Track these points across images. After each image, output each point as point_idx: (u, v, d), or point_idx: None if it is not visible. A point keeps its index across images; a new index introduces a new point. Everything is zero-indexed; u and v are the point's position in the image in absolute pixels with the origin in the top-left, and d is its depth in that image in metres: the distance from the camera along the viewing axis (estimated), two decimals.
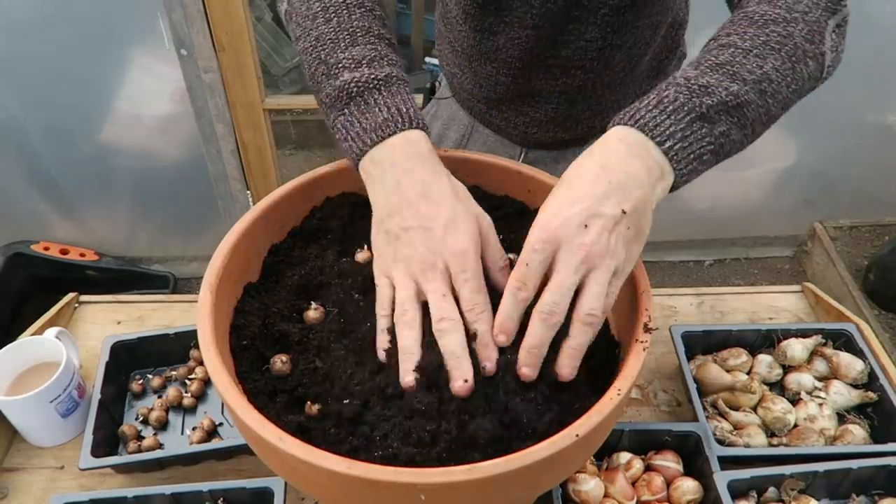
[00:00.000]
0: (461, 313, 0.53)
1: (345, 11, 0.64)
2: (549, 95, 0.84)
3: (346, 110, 0.60)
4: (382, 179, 0.57)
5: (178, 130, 1.81)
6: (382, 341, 0.56)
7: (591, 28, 0.75)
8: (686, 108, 0.54)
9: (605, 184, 0.52)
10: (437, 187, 0.57)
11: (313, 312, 0.63)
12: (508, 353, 0.55)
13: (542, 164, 0.94)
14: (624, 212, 0.51)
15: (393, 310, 0.55)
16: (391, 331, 0.55)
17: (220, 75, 1.71)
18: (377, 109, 0.59)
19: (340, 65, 0.61)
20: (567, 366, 0.52)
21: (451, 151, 0.73)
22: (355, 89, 0.60)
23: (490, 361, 0.52)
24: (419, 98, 0.98)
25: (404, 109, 0.59)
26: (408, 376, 0.52)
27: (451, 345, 0.52)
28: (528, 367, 0.51)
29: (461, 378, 0.51)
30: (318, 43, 0.63)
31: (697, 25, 0.94)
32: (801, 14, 0.60)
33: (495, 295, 0.54)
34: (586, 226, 0.50)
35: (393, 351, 0.55)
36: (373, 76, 0.60)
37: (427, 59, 2.60)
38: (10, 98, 1.66)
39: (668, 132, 0.54)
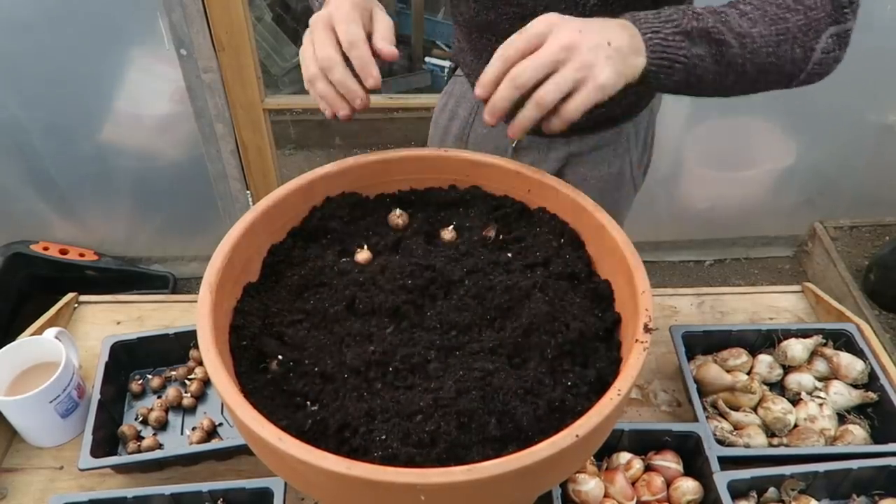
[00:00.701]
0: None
1: None
2: None
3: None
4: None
5: (177, 130, 1.81)
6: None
7: (568, 9, 0.77)
8: (674, 21, 0.63)
9: (599, 24, 0.61)
10: None
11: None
12: (504, 356, 0.55)
13: (535, 150, 0.95)
14: (608, 41, 0.59)
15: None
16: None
17: (219, 75, 1.71)
18: None
19: None
20: (514, 128, 0.63)
21: (453, 151, 0.73)
22: None
23: (372, 77, 0.63)
24: (432, 100, 1.00)
25: None
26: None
27: (338, 80, 0.63)
28: (490, 114, 0.62)
29: (346, 108, 0.64)
30: None
31: None
32: (805, 8, 0.66)
33: None
34: (580, 31, 0.59)
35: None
36: None
37: (427, 59, 2.60)
38: (11, 97, 1.66)
39: (653, 27, 0.62)
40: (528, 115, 0.61)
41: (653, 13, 0.64)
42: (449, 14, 2.65)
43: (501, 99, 0.60)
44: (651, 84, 0.64)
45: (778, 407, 0.82)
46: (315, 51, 0.64)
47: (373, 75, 0.63)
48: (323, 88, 0.64)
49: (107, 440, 0.79)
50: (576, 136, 0.94)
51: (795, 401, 0.84)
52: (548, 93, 0.59)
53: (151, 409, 0.84)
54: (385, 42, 0.65)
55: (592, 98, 0.59)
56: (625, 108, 0.93)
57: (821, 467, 0.74)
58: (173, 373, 0.88)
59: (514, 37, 0.61)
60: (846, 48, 0.70)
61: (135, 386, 0.87)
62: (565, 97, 0.59)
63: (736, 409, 0.83)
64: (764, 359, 0.87)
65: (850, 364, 0.85)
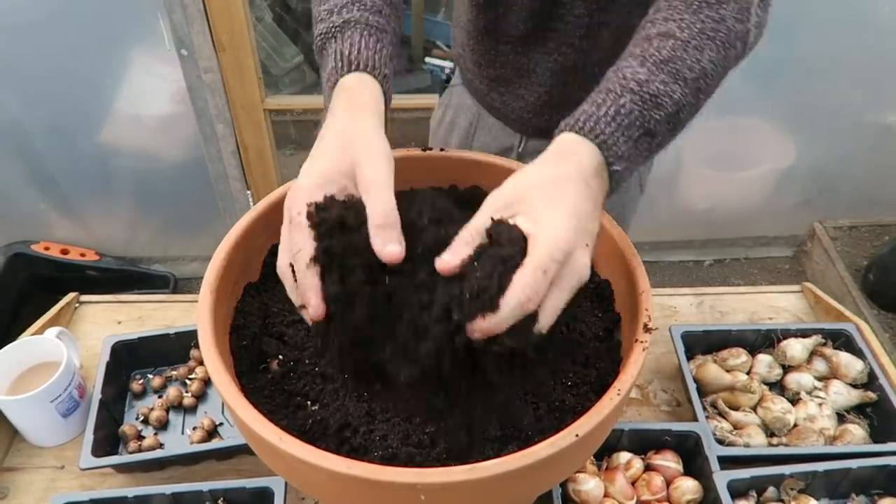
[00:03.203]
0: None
1: None
2: (543, 75, 0.86)
3: (321, 64, 0.61)
4: (324, 131, 0.56)
5: (178, 130, 1.81)
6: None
7: (579, 3, 0.77)
8: (638, 124, 0.54)
9: (592, 202, 0.51)
10: (352, 128, 0.54)
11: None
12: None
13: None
14: (597, 231, 0.52)
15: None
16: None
17: (220, 75, 1.71)
18: (330, 59, 0.59)
19: (319, 18, 0.62)
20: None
21: (452, 151, 0.73)
22: (321, 42, 0.61)
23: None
24: (432, 100, 0.97)
25: (346, 53, 0.58)
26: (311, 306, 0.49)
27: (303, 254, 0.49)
28: (478, 331, 0.47)
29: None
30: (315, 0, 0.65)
31: None
32: None
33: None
34: (587, 244, 0.49)
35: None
36: (332, 25, 0.61)
37: (427, 59, 2.60)
38: (11, 98, 1.66)
39: (619, 152, 0.53)
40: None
41: (612, 112, 0.54)
42: (448, 15, 2.65)
43: (499, 324, 0.47)
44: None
45: (777, 407, 0.82)
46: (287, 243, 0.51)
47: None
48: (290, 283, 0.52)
49: (108, 440, 0.79)
50: None
51: (795, 400, 0.84)
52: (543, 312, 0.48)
53: (152, 409, 0.84)
54: (389, 241, 0.49)
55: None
56: None
57: (820, 467, 0.74)
58: (174, 372, 0.88)
59: (538, 281, 0.46)
60: (768, 9, 0.63)
61: (135, 385, 0.87)
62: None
63: (735, 408, 0.83)
64: (763, 358, 0.87)
65: (850, 364, 0.85)
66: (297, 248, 0.50)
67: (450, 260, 0.47)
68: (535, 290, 0.46)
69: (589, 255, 0.49)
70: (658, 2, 0.62)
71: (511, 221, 0.48)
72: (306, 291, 0.49)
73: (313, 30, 0.64)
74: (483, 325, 0.46)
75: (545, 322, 0.47)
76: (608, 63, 0.80)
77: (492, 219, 0.49)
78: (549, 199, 0.50)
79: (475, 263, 0.47)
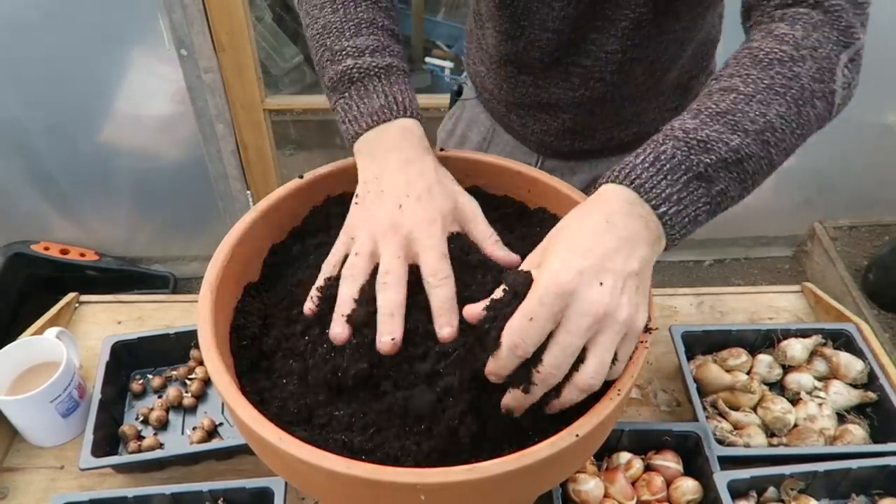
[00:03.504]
0: (424, 280, 0.54)
1: (351, 3, 0.66)
2: (567, 105, 0.84)
3: (346, 94, 0.63)
4: (372, 154, 0.60)
5: (178, 130, 1.81)
6: (315, 299, 0.56)
7: (612, 40, 0.75)
8: (683, 168, 0.51)
9: (615, 239, 0.48)
10: (420, 164, 0.59)
11: None
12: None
13: (558, 174, 0.93)
14: (635, 270, 0.48)
15: (342, 266, 0.56)
16: (328, 287, 0.56)
17: (220, 75, 1.71)
18: (375, 96, 0.61)
19: (344, 51, 0.64)
20: (551, 409, 0.50)
21: (452, 151, 0.73)
22: (356, 74, 0.62)
23: (450, 326, 0.51)
24: (442, 99, 0.96)
25: (401, 98, 0.62)
26: (337, 326, 0.53)
27: (388, 301, 0.52)
28: (488, 372, 0.49)
29: (388, 335, 0.51)
30: (325, 31, 0.65)
31: (730, 43, 0.89)
32: (810, 50, 0.56)
33: (486, 274, 0.55)
34: (601, 283, 0.46)
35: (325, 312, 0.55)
36: (374, 64, 0.63)
37: (427, 59, 2.60)
38: (11, 98, 1.66)
39: (663, 195, 0.50)
40: (569, 400, 0.49)
41: (651, 158, 0.51)
42: (449, 15, 2.65)
43: (528, 402, 0.49)
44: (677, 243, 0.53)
45: (777, 407, 0.82)
46: (371, 259, 0.54)
47: (450, 324, 0.52)
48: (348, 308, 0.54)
49: (107, 440, 0.79)
50: (604, 157, 0.92)
51: (795, 400, 0.84)
52: (594, 379, 0.47)
53: (152, 409, 0.84)
54: (492, 246, 0.57)
55: (633, 344, 0.50)
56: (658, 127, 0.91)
57: (820, 467, 0.74)
58: (174, 372, 0.88)
59: (524, 325, 0.46)
60: (860, 69, 0.60)
61: (135, 386, 0.87)
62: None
63: (736, 408, 0.83)
64: (763, 358, 0.87)
65: (850, 364, 0.85)
66: (387, 269, 0.53)
67: (469, 309, 0.51)
68: (520, 336, 0.46)
69: (621, 293, 0.46)
70: (728, 60, 0.59)
71: (535, 271, 0.49)
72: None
73: (319, 53, 0.65)
74: (489, 367, 0.48)
75: (554, 360, 0.46)
76: (639, 94, 0.79)
77: (510, 270, 0.52)
78: (562, 242, 0.49)
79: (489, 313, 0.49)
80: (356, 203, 0.59)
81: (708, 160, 0.51)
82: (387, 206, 0.56)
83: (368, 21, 0.65)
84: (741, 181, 0.53)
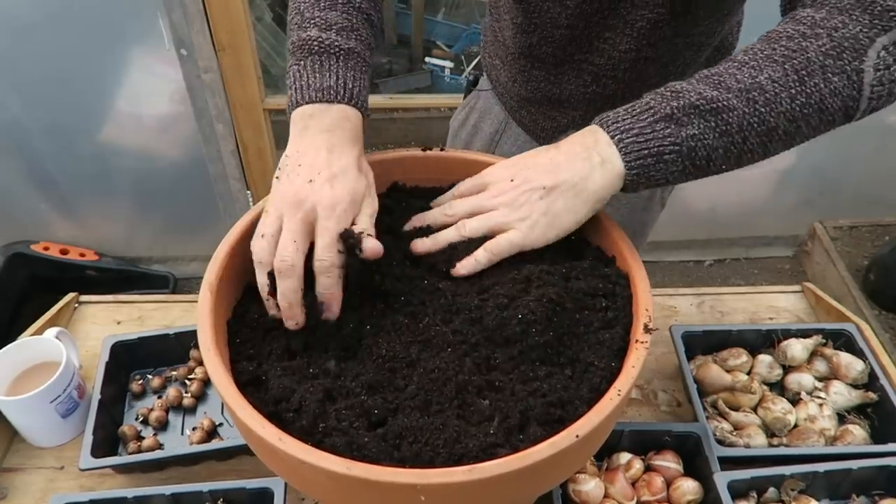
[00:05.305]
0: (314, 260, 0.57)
1: None
2: (578, 102, 0.84)
3: (302, 62, 0.63)
4: (304, 129, 0.61)
5: (178, 130, 1.81)
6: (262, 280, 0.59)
7: (627, 39, 0.75)
8: (651, 110, 0.57)
9: (547, 158, 0.60)
10: (344, 150, 0.60)
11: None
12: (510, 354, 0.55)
13: None
14: (545, 185, 0.59)
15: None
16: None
17: (220, 75, 1.71)
18: (328, 74, 0.62)
19: (313, 20, 0.64)
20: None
21: (451, 151, 0.73)
22: (316, 47, 0.63)
23: (331, 313, 0.57)
24: (442, 99, 0.95)
25: (351, 85, 0.62)
26: (272, 310, 0.59)
27: (284, 290, 0.56)
28: (422, 245, 0.63)
29: (291, 321, 0.57)
30: None
31: None
32: (828, 30, 0.57)
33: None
34: (512, 180, 0.60)
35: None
36: (336, 43, 0.63)
37: (427, 59, 2.60)
38: (11, 98, 1.66)
39: (622, 127, 0.57)
40: (449, 234, 0.62)
41: (627, 108, 0.58)
42: (449, 15, 2.65)
43: (425, 219, 0.65)
44: (649, 183, 0.58)
45: (778, 407, 0.82)
46: (278, 239, 0.57)
47: (332, 311, 0.58)
48: (267, 289, 0.58)
49: (107, 440, 0.79)
50: None
51: (795, 401, 0.84)
52: (470, 222, 0.61)
53: (152, 409, 0.84)
54: (370, 239, 0.58)
55: (504, 248, 0.60)
56: None
57: (821, 467, 0.74)
58: (173, 373, 0.88)
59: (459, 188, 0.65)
60: None
61: (135, 386, 0.87)
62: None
63: (736, 409, 0.83)
64: (764, 359, 0.87)
65: (850, 364, 0.85)
66: (281, 257, 0.56)
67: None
68: (451, 206, 0.64)
69: (522, 193, 0.59)
70: None
71: None
72: (292, 305, 0.57)
73: (292, 15, 0.67)
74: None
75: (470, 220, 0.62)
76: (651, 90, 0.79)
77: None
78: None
79: None
80: (276, 177, 0.60)
81: (675, 104, 0.56)
82: (297, 180, 0.58)
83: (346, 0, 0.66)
84: (723, 133, 0.56)
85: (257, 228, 0.58)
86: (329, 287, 0.57)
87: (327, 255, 0.56)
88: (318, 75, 0.62)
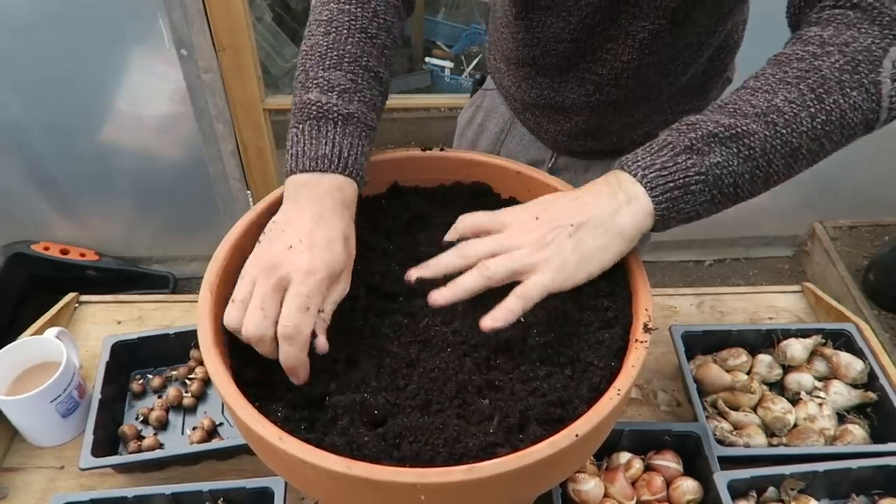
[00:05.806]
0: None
1: (344, 31, 0.64)
2: (581, 108, 0.84)
3: (301, 126, 0.61)
4: (296, 198, 0.59)
5: (178, 130, 1.81)
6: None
7: (629, 49, 0.75)
8: (670, 145, 0.56)
9: (570, 200, 0.59)
10: (329, 222, 0.58)
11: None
12: (513, 366, 0.55)
13: (572, 171, 0.94)
14: (572, 224, 0.56)
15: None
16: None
17: (220, 75, 1.71)
18: (324, 141, 0.60)
19: (316, 81, 0.62)
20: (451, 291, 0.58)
21: (451, 151, 0.73)
22: (315, 111, 0.61)
23: (298, 379, 0.55)
24: (442, 99, 0.95)
25: (346, 153, 0.60)
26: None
27: (264, 354, 0.55)
28: (441, 297, 0.58)
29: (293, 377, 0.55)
30: (311, 52, 0.64)
31: (751, 48, 0.87)
32: (839, 46, 0.57)
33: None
34: (537, 218, 0.58)
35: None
36: (336, 108, 0.61)
37: (427, 59, 2.60)
38: (11, 98, 1.66)
39: (643, 164, 0.57)
40: (471, 279, 0.57)
41: (645, 147, 0.58)
42: (449, 15, 2.65)
43: (439, 264, 0.59)
44: (679, 217, 0.57)
45: (778, 407, 0.82)
46: (252, 303, 0.54)
47: (299, 378, 0.55)
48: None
49: (107, 440, 0.79)
50: (615, 156, 0.92)
51: (795, 400, 0.84)
52: (493, 263, 0.56)
53: (152, 409, 0.84)
54: (322, 335, 0.55)
55: (535, 293, 0.55)
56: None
57: (820, 467, 0.74)
58: (174, 372, 0.88)
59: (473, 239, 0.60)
60: None
61: (135, 386, 0.87)
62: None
63: (736, 408, 0.83)
64: (764, 359, 0.87)
65: (850, 364, 0.85)
66: (246, 324, 0.54)
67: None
68: (473, 248, 0.59)
69: (558, 253, 0.56)
70: None
71: None
72: (295, 359, 0.54)
73: (298, 71, 0.64)
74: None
75: (492, 260, 0.57)
76: (653, 96, 0.81)
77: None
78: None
79: None
80: (259, 240, 0.59)
81: (693, 135, 0.56)
82: (278, 245, 0.56)
83: (353, 56, 0.63)
84: (746, 157, 0.56)
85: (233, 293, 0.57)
86: (291, 356, 0.53)
87: (292, 321, 0.53)
88: (313, 142, 0.60)
